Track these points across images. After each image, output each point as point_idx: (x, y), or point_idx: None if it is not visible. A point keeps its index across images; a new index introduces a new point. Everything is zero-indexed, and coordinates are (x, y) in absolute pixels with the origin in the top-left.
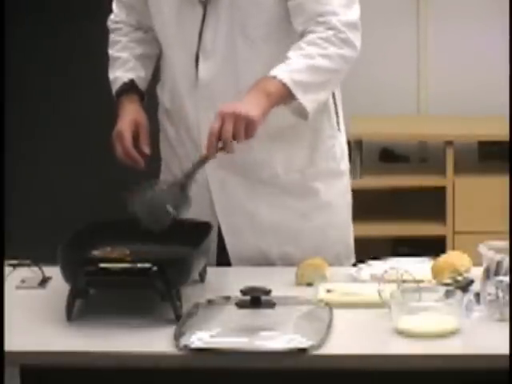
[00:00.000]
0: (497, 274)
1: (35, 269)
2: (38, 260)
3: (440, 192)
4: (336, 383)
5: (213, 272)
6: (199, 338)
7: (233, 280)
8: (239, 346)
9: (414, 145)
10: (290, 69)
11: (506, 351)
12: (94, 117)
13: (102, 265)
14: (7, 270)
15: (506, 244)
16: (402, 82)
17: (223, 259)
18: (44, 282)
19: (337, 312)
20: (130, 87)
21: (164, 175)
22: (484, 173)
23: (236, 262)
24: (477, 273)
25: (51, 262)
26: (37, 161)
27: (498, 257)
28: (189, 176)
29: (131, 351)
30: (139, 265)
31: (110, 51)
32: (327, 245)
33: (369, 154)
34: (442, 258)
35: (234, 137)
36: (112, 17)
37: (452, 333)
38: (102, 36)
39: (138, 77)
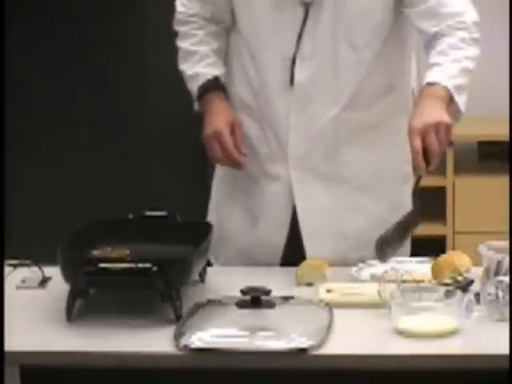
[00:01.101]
0: (497, 274)
1: (35, 269)
2: (37, 260)
3: (440, 192)
4: (336, 383)
5: (213, 272)
6: (199, 338)
7: (233, 280)
8: (239, 345)
9: None
10: (448, 75)
11: (506, 351)
12: (94, 116)
13: (102, 265)
14: (7, 269)
15: (506, 244)
16: None
17: (290, 260)
18: (44, 282)
19: (337, 312)
20: (214, 84)
21: (228, 173)
22: (484, 173)
23: None
24: (477, 273)
25: (51, 262)
26: (37, 161)
27: (498, 257)
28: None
29: (131, 351)
30: (139, 265)
31: (183, 44)
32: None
33: None
34: (442, 258)
35: (439, 145)
36: (182, 9)
37: (452, 333)
38: (102, 36)
39: (221, 73)
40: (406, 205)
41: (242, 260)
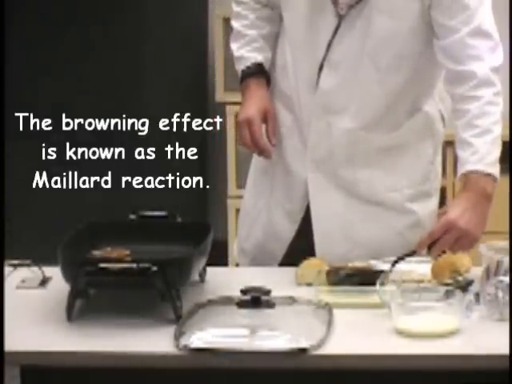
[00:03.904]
0: (497, 274)
1: (35, 269)
2: (37, 260)
3: (440, 192)
4: (336, 383)
5: (213, 272)
6: (199, 338)
7: (233, 280)
8: (239, 346)
9: None
10: (483, 154)
11: (506, 351)
12: (92, 116)
13: (102, 265)
14: (7, 269)
15: (506, 244)
16: None
17: (292, 258)
18: (44, 282)
19: (337, 312)
20: (256, 70)
21: (255, 158)
22: None
23: None
24: (477, 273)
25: (51, 262)
26: (37, 161)
27: (498, 257)
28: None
29: (131, 351)
30: (139, 265)
31: (235, 24)
32: None
33: None
34: (442, 258)
35: (450, 247)
36: None
37: (452, 333)
38: (101, 38)
39: (266, 58)
40: (429, 219)
41: (254, 244)
